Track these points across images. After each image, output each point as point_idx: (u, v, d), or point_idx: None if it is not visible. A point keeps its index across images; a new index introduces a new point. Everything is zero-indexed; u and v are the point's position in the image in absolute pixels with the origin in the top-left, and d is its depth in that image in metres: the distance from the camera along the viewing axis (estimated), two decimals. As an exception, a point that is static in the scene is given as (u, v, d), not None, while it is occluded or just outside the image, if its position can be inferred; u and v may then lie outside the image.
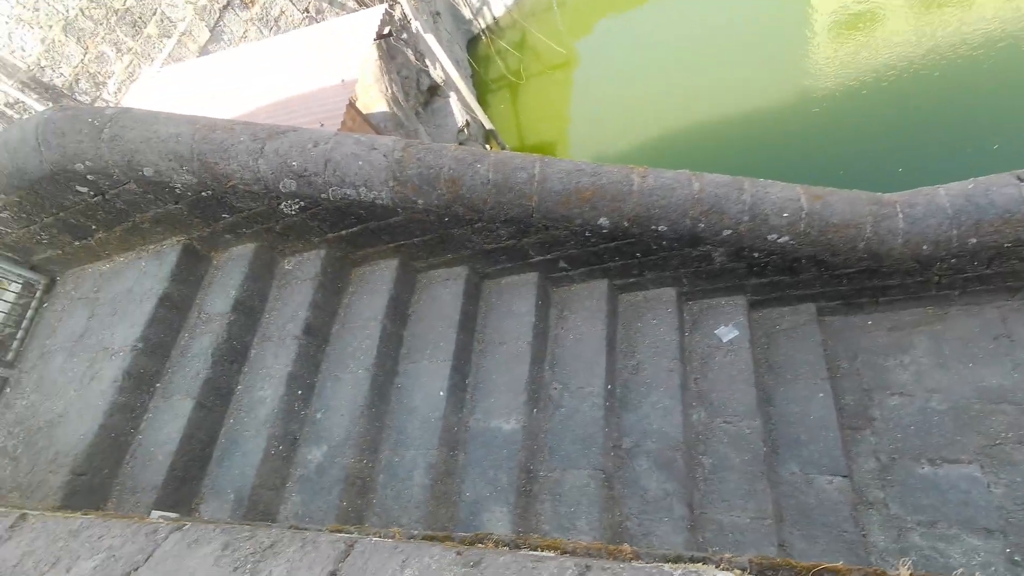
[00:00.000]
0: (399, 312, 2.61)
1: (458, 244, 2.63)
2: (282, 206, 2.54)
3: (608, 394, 2.31)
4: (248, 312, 2.51)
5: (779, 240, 2.26)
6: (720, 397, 2.31)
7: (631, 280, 2.65)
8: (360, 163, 2.42)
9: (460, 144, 7.13)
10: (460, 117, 7.32)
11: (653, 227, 2.32)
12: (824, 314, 2.55)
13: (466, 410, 2.34)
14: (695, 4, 9.22)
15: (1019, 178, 2.06)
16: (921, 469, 2.03)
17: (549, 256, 2.61)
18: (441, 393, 2.28)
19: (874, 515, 2.02)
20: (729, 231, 2.29)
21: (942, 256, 2.15)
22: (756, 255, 2.34)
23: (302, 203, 2.52)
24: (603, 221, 2.34)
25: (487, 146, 7.63)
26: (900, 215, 2.17)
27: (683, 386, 2.33)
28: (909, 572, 0.79)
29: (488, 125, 7.52)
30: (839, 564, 0.84)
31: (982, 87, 5.79)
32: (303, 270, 2.68)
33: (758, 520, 1.97)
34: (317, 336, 2.49)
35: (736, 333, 2.46)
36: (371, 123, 5.54)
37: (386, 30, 6.48)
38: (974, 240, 2.07)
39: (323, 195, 2.45)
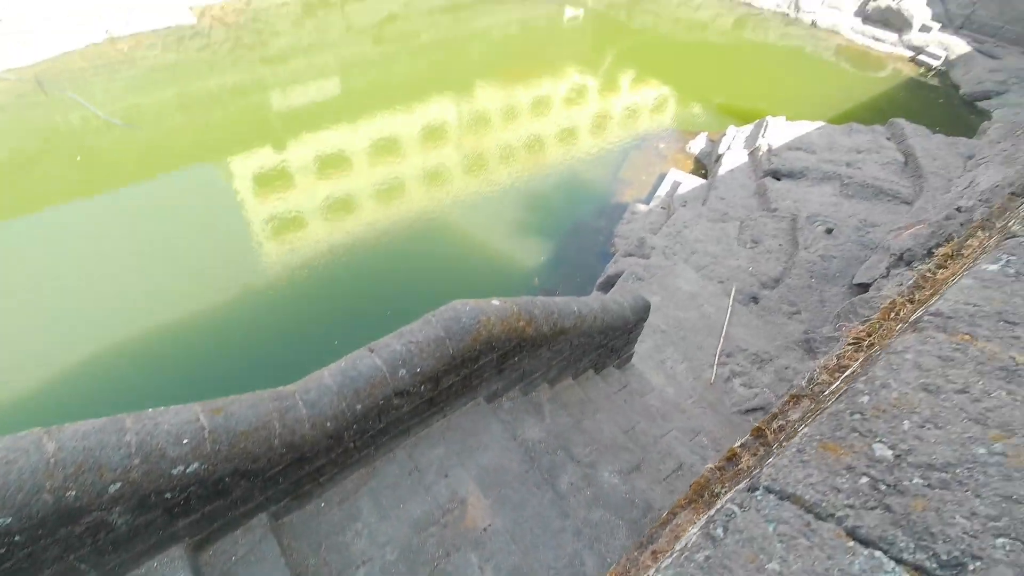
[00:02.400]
0: None
1: None
2: None
3: None
4: None
5: (188, 470, 2.01)
6: None
7: (-19, 611, 1.74)
8: None
9: None
10: None
11: (-17, 527, 1.61)
12: (279, 516, 2.43)
13: None
14: (125, 214, 8.86)
15: (370, 350, 2.64)
16: (393, 632, 2.10)
17: None
18: None
19: None
20: (119, 484, 1.85)
21: (345, 426, 2.45)
22: (169, 496, 2.00)
23: None
24: None
25: None
26: (300, 402, 2.36)
27: None
28: None
29: None
30: None
31: (390, 272, 7.94)
32: None
33: None
34: None
35: (176, 598, 1.97)
36: None
37: None
38: (359, 406, 2.46)
39: None
